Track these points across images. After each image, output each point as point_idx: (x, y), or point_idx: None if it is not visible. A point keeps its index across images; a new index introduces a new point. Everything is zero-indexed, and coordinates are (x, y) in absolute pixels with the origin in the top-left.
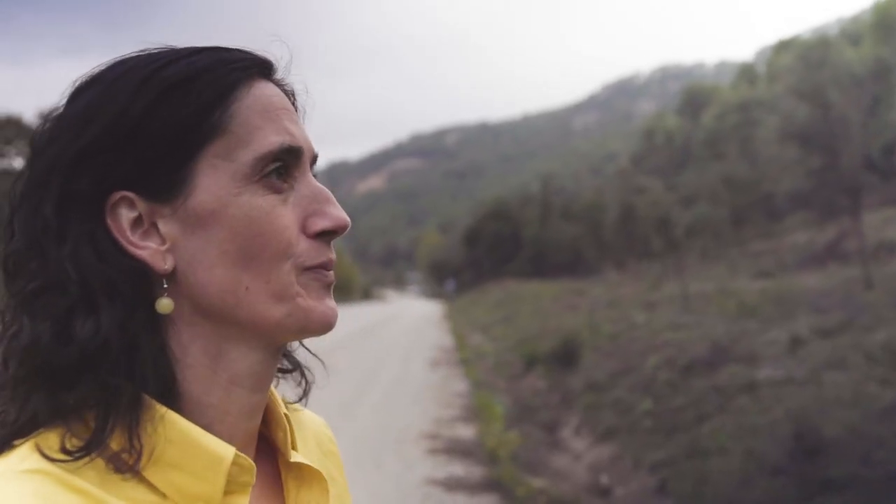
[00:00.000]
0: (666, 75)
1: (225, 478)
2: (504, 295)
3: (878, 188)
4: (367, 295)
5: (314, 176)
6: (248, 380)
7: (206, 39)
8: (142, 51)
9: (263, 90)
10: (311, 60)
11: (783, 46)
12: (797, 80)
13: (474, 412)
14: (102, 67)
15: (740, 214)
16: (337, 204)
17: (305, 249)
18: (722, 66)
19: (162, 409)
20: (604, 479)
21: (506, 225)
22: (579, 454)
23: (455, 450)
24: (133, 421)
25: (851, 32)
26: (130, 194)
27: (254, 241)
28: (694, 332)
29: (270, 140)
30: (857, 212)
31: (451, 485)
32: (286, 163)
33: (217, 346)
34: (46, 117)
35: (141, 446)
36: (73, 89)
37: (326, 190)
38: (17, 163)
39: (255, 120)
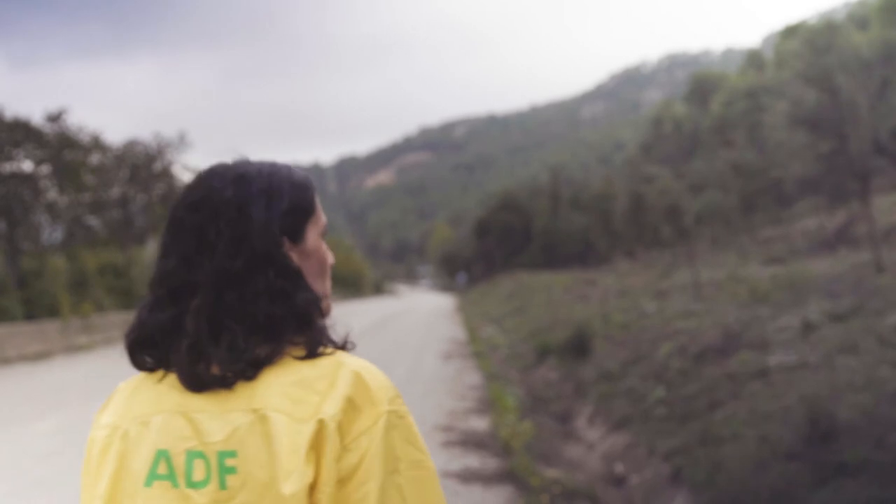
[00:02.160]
0: (673, 63)
1: None
2: (515, 286)
3: (887, 172)
4: (378, 290)
5: None
6: None
7: (219, 40)
8: (250, 162)
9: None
10: (320, 58)
11: (790, 32)
12: (805, 65)
13: (488, 404)
14: (240, 167)
15: (750, 201)
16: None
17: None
18: (729, 53)
19: None
20: (618, 468)
21: (516, 216)
22: (593, 444)
23: (469, 442)
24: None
25: (858, 16)
26: (285, 239)
27: (323, 266)
28: (705, 319)
29: (324, 217)
30: (867, 196)
31: (466, 477)
32: None
33: None
34: (209, 189)
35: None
36: (233, 176)
37: None
38: (26, 165)
39: (318, 205)
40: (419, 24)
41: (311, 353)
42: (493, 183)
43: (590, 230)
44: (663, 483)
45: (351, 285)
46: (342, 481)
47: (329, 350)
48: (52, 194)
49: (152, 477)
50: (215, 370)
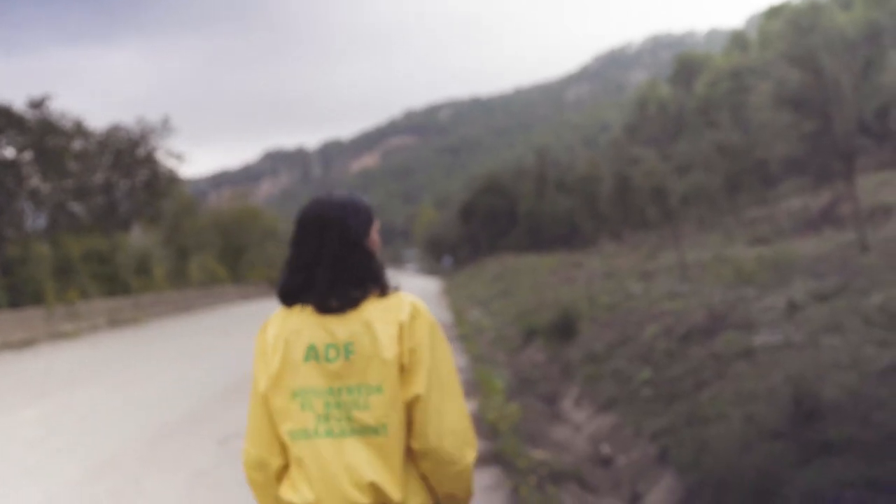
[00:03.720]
0: (657, 45)
1: None
2: (501, 269)
3: (871, 151)
4: None
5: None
6: None
7: (205, 29)
8: (339, 194)
9: None
10: (305, 43)
11: (774, 12)
12: (788, 45)
13: (475, 386)
14: (335, 199)
15: (735, 181)
16: None
17: None
18: (713, 34)
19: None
20: (605, 449)
21: (501, 199)
22: (580, 425)
23: None
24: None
25: None
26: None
27: (378, 248)
28: (691, 300)
29: (378, 222)
30: (852, 176)
31: None
32: None
33: None
34: (348, 209)
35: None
36: (333, 204)
37: None
38: (8, 152)
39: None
40: (404, 7)
41: (384, 293)
42: (478, 166)
43: (575, 212)
44: (650, 463)
45: None
46: (411, 351)
47: (393, 291)
48: (35, 181)
49: (307, 358)
50: (333, 304)
